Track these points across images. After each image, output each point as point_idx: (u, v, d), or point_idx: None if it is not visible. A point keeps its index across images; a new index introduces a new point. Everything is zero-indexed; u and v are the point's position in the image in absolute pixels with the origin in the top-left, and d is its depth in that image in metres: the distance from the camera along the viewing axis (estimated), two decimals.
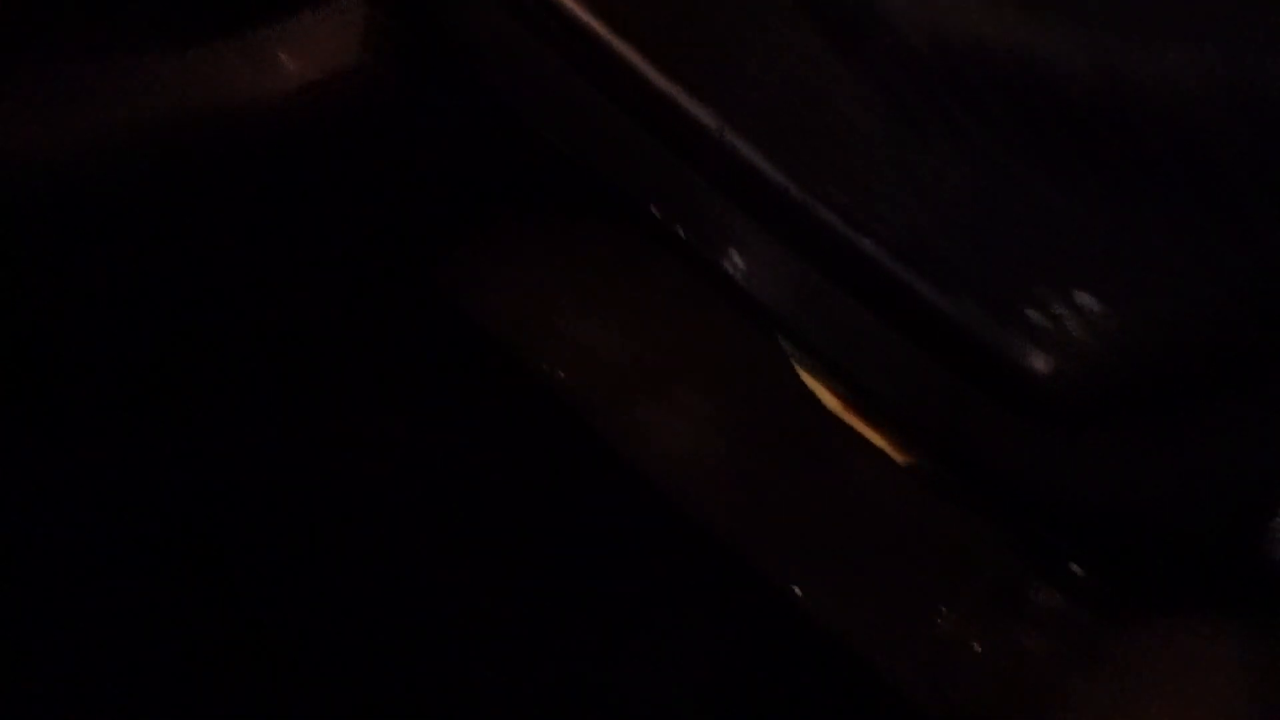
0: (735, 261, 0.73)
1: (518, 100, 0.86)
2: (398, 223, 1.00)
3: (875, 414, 0.72)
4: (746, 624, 0.76)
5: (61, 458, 0.77)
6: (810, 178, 0.52)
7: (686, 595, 0.77)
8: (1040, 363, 0.53)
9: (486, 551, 0.80)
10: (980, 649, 0.70)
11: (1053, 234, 0.51)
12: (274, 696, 0.69)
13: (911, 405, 0.66)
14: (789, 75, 0.52)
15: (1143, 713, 0.64)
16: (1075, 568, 0.66)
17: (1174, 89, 0.37)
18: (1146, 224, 0.47)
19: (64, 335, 0.83)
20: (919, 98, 0.46)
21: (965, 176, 0.49)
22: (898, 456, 0.72)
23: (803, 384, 0.77)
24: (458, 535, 0.80)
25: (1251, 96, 0.36)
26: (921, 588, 0.73)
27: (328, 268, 0.98)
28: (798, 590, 0.76)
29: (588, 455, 0.86)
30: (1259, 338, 0.50)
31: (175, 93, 0.98)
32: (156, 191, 0.94)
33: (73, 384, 0.81)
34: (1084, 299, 0.52)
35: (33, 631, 0.68)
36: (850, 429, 0.74)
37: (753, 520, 0.80)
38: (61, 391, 0.80)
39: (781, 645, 0.75)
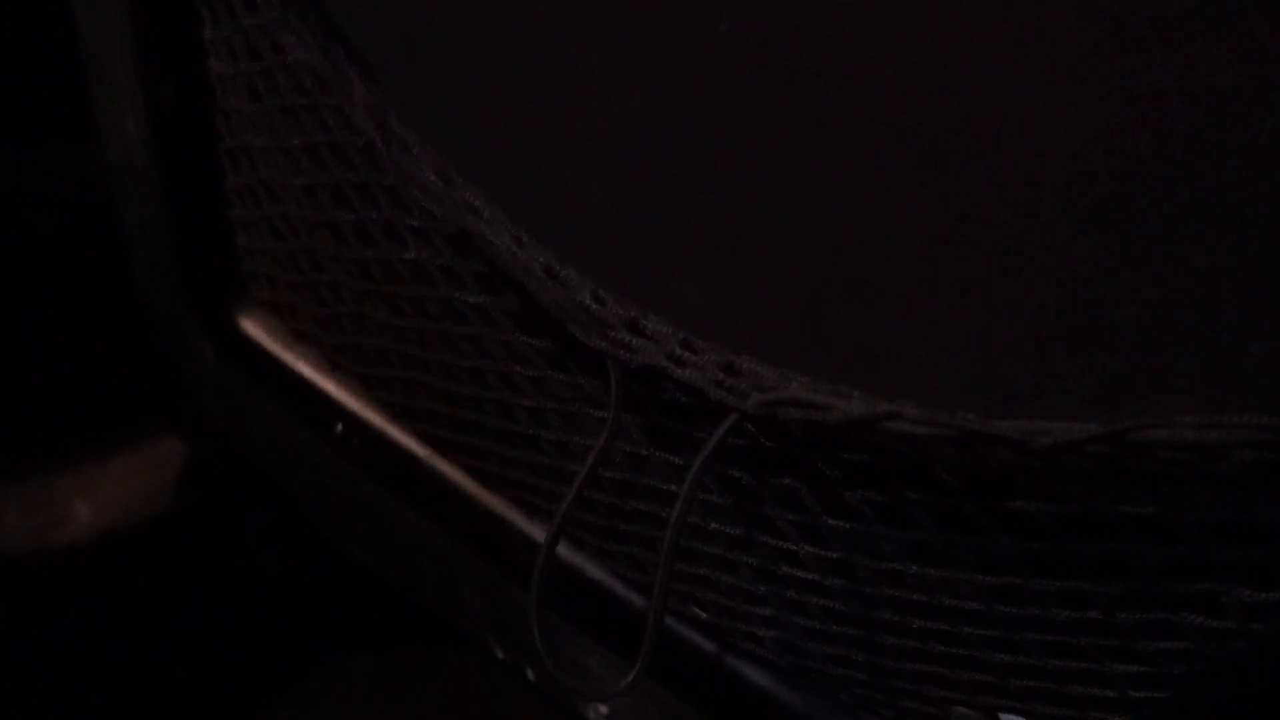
0: (598, 709, 0.62)
1: (343, 537, 0.77)
2: (209, 673, 0.89)
3: None
4: None
5: None
6: (668, 591, 0.44)
7: None
8: None
9: None
10: None
11: (953, 639, 0.44)
12: None
13: None
14: (624, 483, 0.46)
15: None
16: None
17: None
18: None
19: None
20: (770, 494, 0.41)
21: (842, 581, 0.43)
22: None
23: None
24: None
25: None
26: None
27: None
28: None
29: None
30: None
31: None
32: None
33: None
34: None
35: None
36: None
37: None
38: None
39: None
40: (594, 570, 0.54)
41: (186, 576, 0.97)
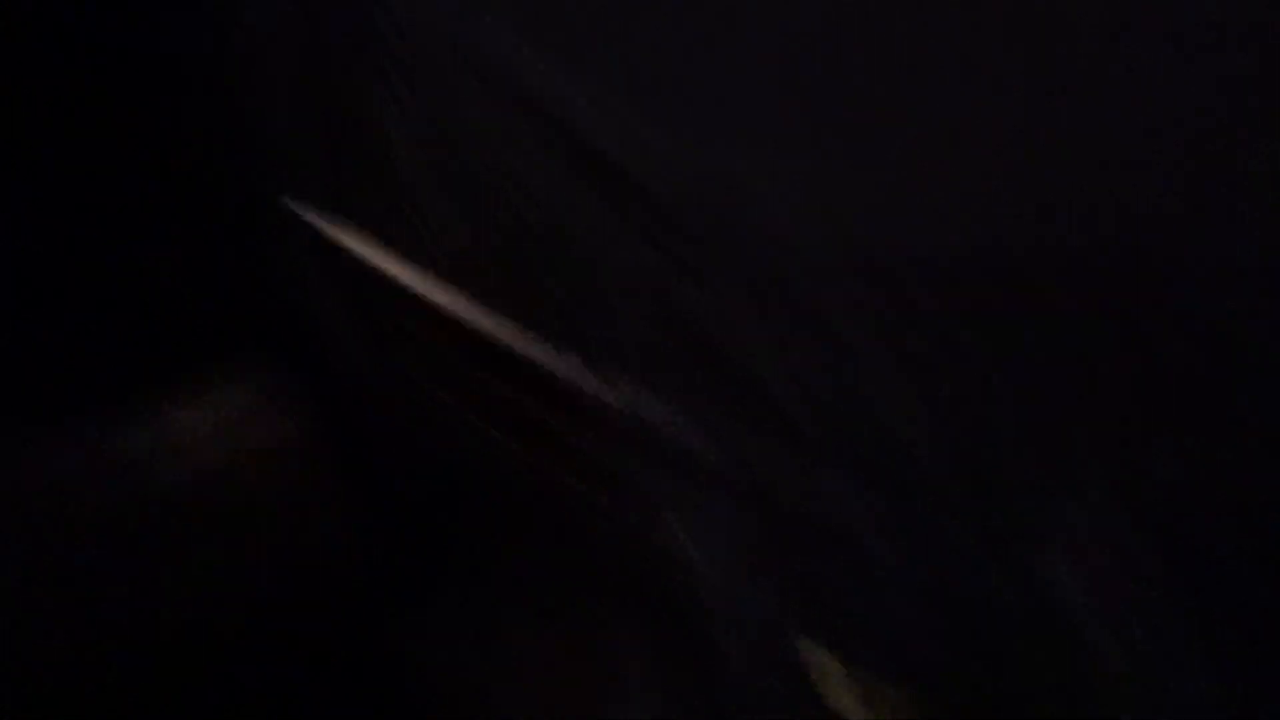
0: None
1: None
2: (343, 584, 0.92)
3: None
4: None
5: None
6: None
7: None
8: None
9: None
10: None
11: None
12: None
13: None
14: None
15: None
16: None
17: None
18: None
19: None
20: None
21: None
22: None
23: None
24: None
25: None
26: None
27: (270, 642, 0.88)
28: None
29: None
30: None
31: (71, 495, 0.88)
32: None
33: None
34: None
35: None
36: None
37: None
38: None
39: None
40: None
41: (308, 499, 0.97)
